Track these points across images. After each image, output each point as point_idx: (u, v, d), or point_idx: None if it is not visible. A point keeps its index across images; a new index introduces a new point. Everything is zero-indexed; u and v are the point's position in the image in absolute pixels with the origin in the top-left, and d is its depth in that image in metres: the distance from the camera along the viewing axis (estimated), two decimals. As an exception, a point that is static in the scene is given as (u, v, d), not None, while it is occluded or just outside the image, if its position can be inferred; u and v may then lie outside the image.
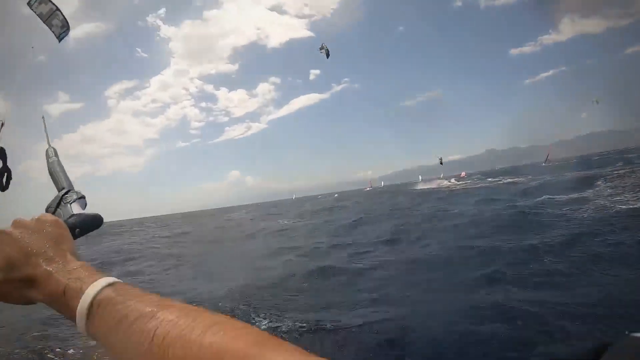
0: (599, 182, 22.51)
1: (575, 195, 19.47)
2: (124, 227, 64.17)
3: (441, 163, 54.07)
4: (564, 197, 19.70)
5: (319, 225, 26.51)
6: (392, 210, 29.50)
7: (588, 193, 19.64)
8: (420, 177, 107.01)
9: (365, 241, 16.29)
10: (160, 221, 78.70)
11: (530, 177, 39.91)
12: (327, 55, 22.82)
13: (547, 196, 20.70)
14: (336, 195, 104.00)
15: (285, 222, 32.23)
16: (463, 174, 79.60)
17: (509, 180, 40.95)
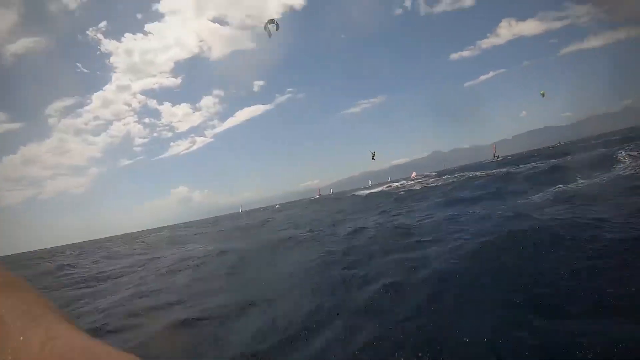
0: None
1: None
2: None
3: (373, 158, 50.90)
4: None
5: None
6: (314, 221, 25.94)
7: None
8: (369, 182, 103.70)
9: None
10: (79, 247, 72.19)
11: (488, 171, 35.34)
12: (277, 27, 22.55)
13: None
14: (277, 206, 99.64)
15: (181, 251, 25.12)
16: (413, 174, 71.98)
17: (470, 175, 35.46)
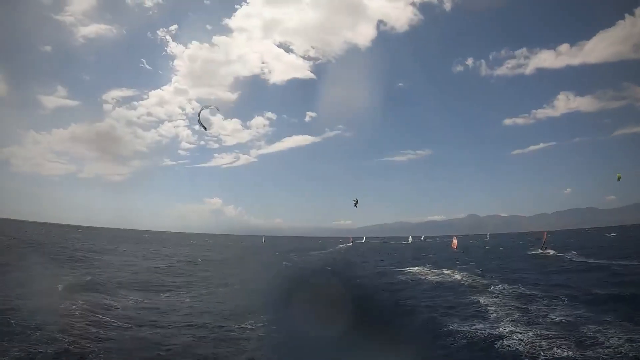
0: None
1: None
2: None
3: (355, 205, 49.45)
4: None
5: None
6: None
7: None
8: (410, 238, 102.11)
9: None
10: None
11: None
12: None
13: None
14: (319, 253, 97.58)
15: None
16: (455, 242, 64.21)
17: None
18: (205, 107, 21.45)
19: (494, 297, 20.04)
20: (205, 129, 22.49)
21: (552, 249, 51.16)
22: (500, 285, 22.73)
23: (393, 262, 41.78)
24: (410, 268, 34.35)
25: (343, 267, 31.60)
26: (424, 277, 29.34)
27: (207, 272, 34.01)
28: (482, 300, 19.20)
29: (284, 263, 43.87)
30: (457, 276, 27.76)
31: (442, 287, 24.62)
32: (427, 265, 36.00)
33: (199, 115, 21.60)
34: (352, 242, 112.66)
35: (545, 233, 61.24)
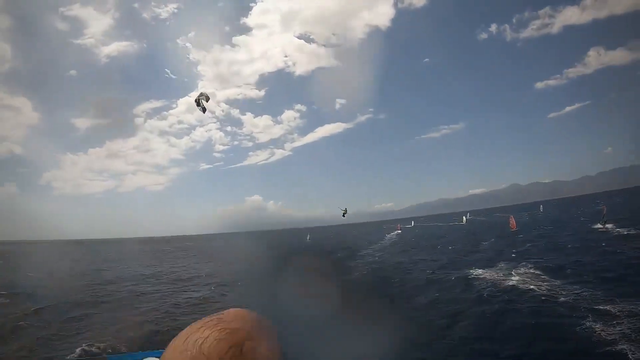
0: None
1: None
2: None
3: (344, 215, 46.64)
4: None
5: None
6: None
7: None
8: (465, 218, 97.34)
9: None
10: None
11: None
12: (207, 99, 21.84)
13: None
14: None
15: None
16: (513, 222, 59.24)
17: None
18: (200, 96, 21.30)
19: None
20: (204, 111, 21.77)
21: (610, 223, 46.80)
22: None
23: (457, 259, 37.88)
24: (491, 272, 28.01)
25: (398, 286, 28.18)
26: (525, 288, 22.12)
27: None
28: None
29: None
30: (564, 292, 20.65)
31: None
32: (507, 265, 29.96)
33: (197, 101, 21.47)
34: (400, 228, 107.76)
35: (605, 207, 56.27)
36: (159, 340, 18.97)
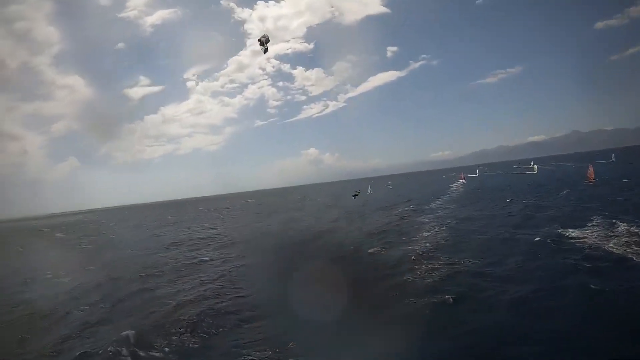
0: None
1: None
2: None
3: (354, 197, 44.25)
4: None
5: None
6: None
7: None
8: (536, 166, 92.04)
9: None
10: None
11: None
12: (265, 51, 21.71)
13: None
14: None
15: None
16: (591, 172, 56.20)
17: None
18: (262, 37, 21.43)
19: None
20: (265, 52, 21.78)
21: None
22: None
23: (534, 215, 34.96)
24: (581, 232, 24.81)
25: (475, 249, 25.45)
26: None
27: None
28: None
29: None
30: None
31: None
32: (599, 224, 26.63)
33: (260, 42, 21.46)
34: (464, 178, 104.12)
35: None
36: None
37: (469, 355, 12.01)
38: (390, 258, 24.99)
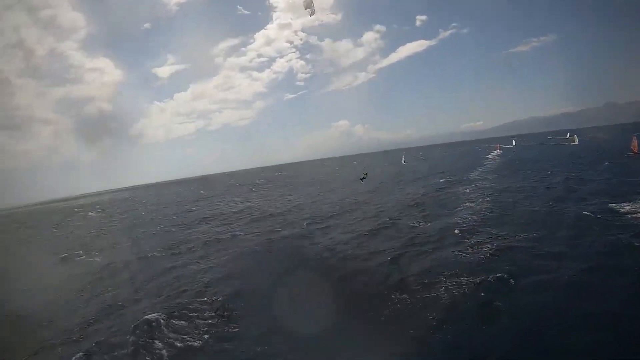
0: None
1: None
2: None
3: (362, 180, 45.84)
4: None
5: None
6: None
7: None
8: (576, 137, 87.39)
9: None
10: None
11: None
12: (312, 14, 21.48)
13: None
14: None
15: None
16: (635, 144, 52.98)
17: None
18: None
19: None
20: (312, 14, 21.31)
21: None
22: None
23: (578, 187, 32.91)
24: (632, 207, 23.09)
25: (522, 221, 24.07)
26: None
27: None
28: None
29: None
30: None
31: None
32: None
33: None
34: (500, 149, 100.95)
35: None
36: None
37: (529, 339, 11.29)
38: (432, 231, 24.18)
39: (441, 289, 15.08)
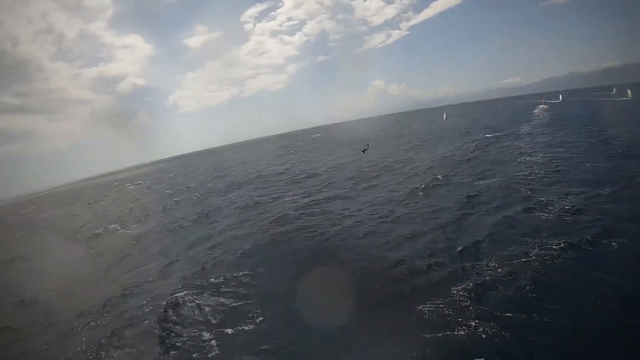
0: None
1: None
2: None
3: (363, 152, 42.61)
4: None
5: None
6: None
7: None
8: (629, 91, 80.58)
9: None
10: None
11: None
12: None
13: None
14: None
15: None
16: None
17: None
18: None
19: None
20: None
21: None
22: None
23: None
24: None
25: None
26: None
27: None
28: None
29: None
30: None
31: None
32: None
33: None
34: (545, 104, 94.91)
35: None
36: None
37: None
38: (495, 188, 21.71)
39: (530, 254, 12.72)
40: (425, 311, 10.69)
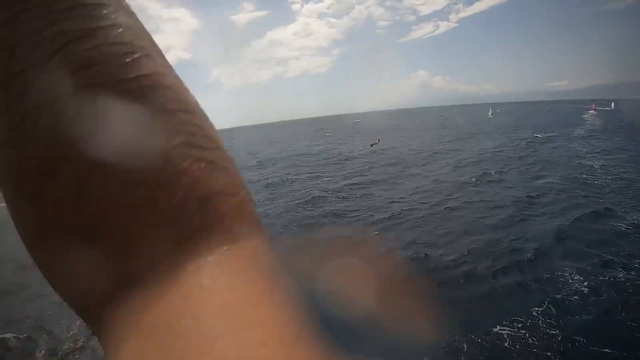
0: None
1: None
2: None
3: (372, 145, 40.82)
4: None
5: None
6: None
7: None
8: None
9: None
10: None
11: None
12: None
13: None
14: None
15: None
16: None
17: None
18: None
19: None
20: None
21: None
22: None
23: None
24: None
25: None
26: None
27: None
28: None
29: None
30: None
31: None
32: None
33: None
34: (595, 109, 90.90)
35: None
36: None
37: None
38: (557, 188, 19.74)
39: (615, 268, 10.91)
40: (505, 336, 8.65)
